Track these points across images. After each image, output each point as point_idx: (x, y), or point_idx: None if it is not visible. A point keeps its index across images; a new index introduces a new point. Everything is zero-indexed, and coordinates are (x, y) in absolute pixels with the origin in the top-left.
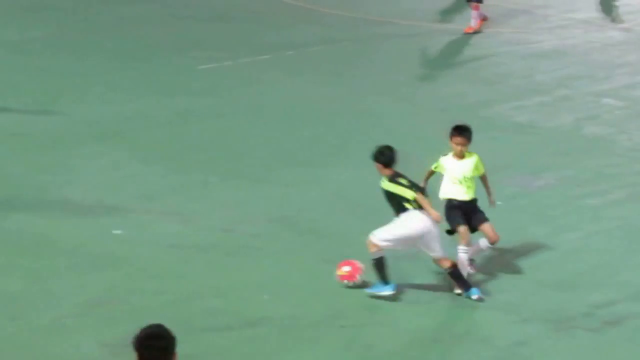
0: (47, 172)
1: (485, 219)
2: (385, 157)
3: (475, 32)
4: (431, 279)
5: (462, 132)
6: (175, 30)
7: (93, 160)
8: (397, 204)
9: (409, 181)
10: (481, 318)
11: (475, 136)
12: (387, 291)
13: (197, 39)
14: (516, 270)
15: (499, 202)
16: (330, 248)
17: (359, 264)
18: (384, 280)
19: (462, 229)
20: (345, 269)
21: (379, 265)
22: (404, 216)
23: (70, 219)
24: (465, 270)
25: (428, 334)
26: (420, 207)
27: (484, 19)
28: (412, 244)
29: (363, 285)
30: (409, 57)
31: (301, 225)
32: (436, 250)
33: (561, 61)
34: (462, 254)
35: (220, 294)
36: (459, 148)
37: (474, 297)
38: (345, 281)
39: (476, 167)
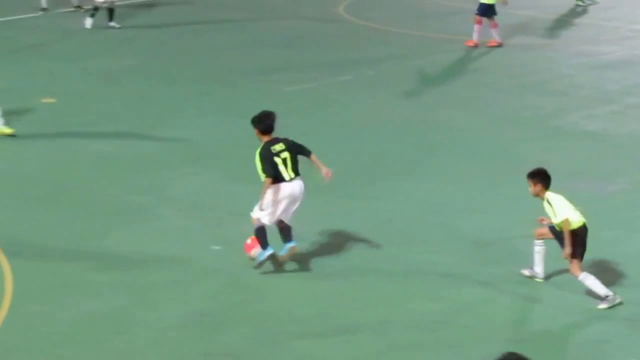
0: (145, 192)
1: None
2: (262, 124)
3: (498, 45)
4: (501, 278)
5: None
6: (259, 56)
7: (188, 180)
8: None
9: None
10: (559, 316)
11: (547, 145)
12: (267, 252)
13: (279, 63)
14: (592, 272)
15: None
16: (420, 256)
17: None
18: (264, 246)
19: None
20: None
21: (260, 233)
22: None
23: (170, 237)
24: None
25: (507, 333)
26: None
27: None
28: (282, 207)
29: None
30: (478, 71)
31: (390, 236)
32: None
33: (630, 71)
34: None
35: (314, 302)
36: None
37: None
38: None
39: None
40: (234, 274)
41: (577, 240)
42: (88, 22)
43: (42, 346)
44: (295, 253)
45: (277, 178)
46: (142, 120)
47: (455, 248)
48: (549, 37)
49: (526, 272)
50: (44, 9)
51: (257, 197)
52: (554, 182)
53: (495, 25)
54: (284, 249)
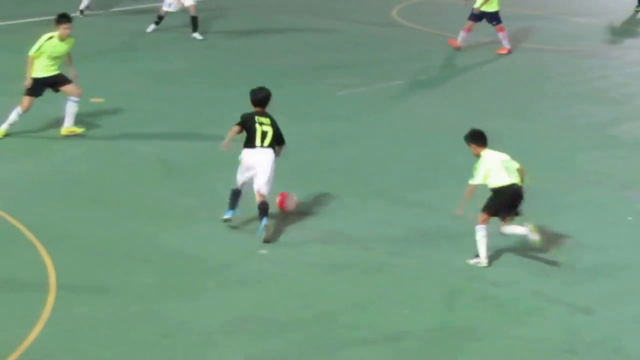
0: (193, 195)
1: None
2: (254, 96)
3: (509, 53)
4: (552, 290)
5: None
6: (312, 58)
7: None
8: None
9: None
10: (610, 328)
11: (602, 154)
12: (226, 214)
13: (333, 65)
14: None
15: (629, 218)
16: (468, 263)
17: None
18: (231, 207)
19: None
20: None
21: (232, 195)
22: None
23: (218, 240)
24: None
25: (561, 344)
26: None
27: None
28: (248, 175)
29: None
30: (532, 79)
31: (440, 243)
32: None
33: None
34: None
35: (361, 309)
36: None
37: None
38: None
39: None
40: (281, 278)
41: (501, 198)
42: (151, 27)
43: (86, 349)
44: (269, 231)
45: (248, 143)
46: (191, 121)
47: (505, 257)
48: (605, 45)
49: (471, 261)
50: (83, 11)
51: (306, 200)
52: (608, 190)
53: (502, 29)
54: (260, 228)
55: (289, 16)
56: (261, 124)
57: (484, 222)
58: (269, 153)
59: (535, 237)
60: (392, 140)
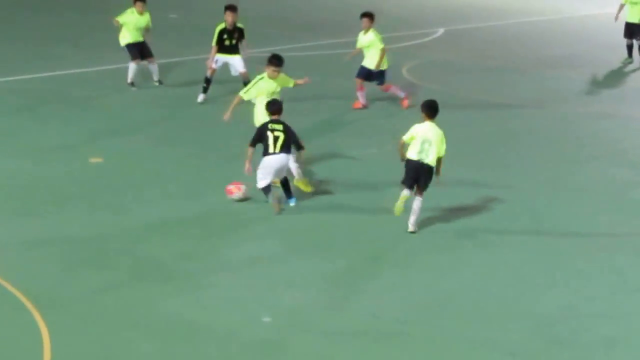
0: (196, 259)
1: None
2: (271, 106)
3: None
4: None
5: None
6: (322, 118)
7: (241, 248)
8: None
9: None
10: None
11: (624, 218)
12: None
13: (343, 126)
14: None
15: None
16: (483, 331)
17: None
18: (266, 192)
19: None
20: (230, 187)
21: (266, 189)
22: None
23: (221, 306)
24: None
25: None
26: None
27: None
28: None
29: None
30: (547, 140)
31: (449, 311)
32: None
33: None
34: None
35: None
36: None
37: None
38: (229, 196)
39: None
40: (285, 347)
41: (407, 168)
42: (200, 97)
43: None
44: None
45: (266, 151)
46: (192, 183)
47: (519, 324)
48: (618, 103)
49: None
50: (131, 84)
51: (311, 266)
52: (629, 256)
53: (389, 87)
54: (292, 201)
55: (303, 73)
56: (273, 130)
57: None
58: (285, 157)
59: None
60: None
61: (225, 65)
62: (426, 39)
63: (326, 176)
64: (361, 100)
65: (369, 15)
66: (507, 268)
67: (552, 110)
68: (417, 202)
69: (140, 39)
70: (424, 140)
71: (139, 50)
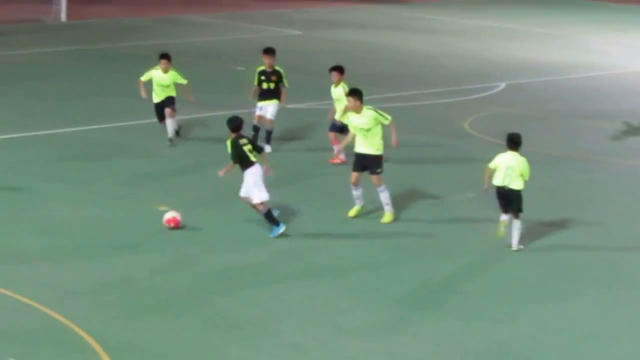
0: (261, 305)
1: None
2: (232, 123)
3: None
4: None
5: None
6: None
7: (304, 294)
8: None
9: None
10: None
11: None
12: (281, 229)
13: (402, 180)
14: None
15: None
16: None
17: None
18: (275, 224)
19: None
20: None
21: (268, 215)
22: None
23: (285, 354)
24: None
25: None
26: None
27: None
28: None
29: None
30: (603, 193)
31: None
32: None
33: None
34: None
35: None
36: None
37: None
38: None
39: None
40: None
41: (497, 195)
42: (267, 147)
43: None
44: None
45: (246, 164)
46: (256, 231)
47: None
48: None
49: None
50: (171, 140)
51: (370, 316)
52: None
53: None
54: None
55: None
56: (244, 144)
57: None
58: (259, 166)
59: None
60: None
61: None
62: (488, 93)
63: (423, 217)
64: (339, 153)
65: (337, 69)
66: (564, 319)
67: (615, 163)
68: (516, 223)
69: (164, 96)
70: (507, 167)
71: (162, 110)
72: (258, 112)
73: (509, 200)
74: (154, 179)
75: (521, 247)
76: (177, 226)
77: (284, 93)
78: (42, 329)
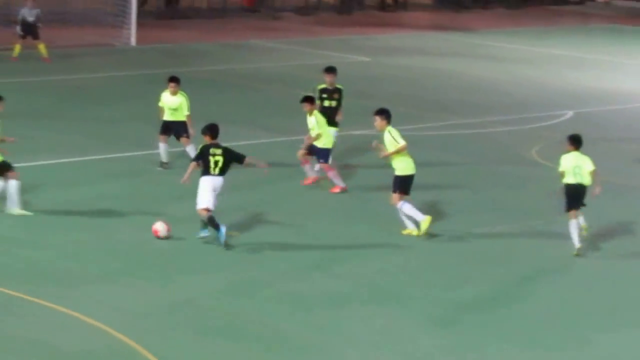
0: (324, 331)
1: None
2: (208, 130)
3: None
4: None
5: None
6: (448, 198)
7: (369, 319)
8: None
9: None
10: None
11: None
12: (222, 231)
13: (469, 206)
14: None
15: None
16: None
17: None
18: (217, 228)
19: None
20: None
21: (211, 220)
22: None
23: None
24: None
25: None
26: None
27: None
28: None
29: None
30: None
31: None
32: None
33: None
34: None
35: None
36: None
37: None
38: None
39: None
40: None
41: (567, 193)
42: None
43: None
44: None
45: (205, 172)
46: (326, 256)
47: None
48: None
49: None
50: (164, 164)
51: (433, 341)
52: None
53: (330, 169)
54: (222, 235)
55: (426, 152)
56: (214, 154)
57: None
58: (220, 180)
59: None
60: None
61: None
62: (555, 121)
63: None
64: (310, 174)
65: (307, 100)
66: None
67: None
68: (581, 219)
69: (173, 119)
70: (575, 166)
71: (168, 128)
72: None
73: (579, 195)
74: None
75: (581, 243)
76: (157, 236)
77: (341, 112)
78: (110, 352)
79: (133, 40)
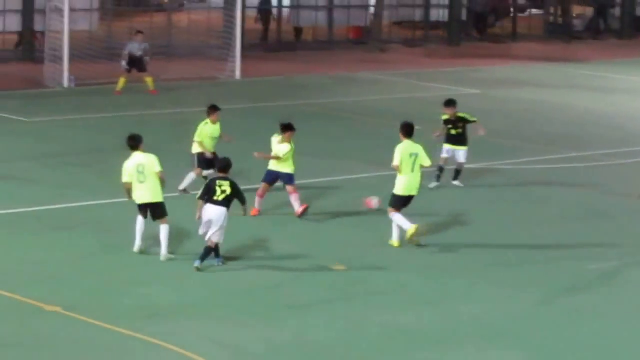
0: None
1: None
2: (219, 164)
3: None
4: None
5: None
6: (560, 230)
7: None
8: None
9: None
10: None
11: None
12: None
13: (580, 238)
14: None
15: None
16: None
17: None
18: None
19: None
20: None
21: (216, 250)
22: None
23: None
24: None
25: None
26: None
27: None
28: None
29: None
30: None
31: None
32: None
33: None
34: None
35: None
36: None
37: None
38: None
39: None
40: None
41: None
42: (433, 183)
43: None
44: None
45: (209, 199)
46: (432, 292)
47: None
48: None
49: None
50: (184, 190)
51: None
52: None
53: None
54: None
55: (541, 188)
56: (221, 186)
57: None
58: (222, 210)
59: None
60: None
61: None
62: None
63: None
64: (258, 206)
65: (289, 129)
66: None
67: None
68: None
69: (213, 149)
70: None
71: (208, 163)
72: (444, 155)
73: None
74: (320, 235)
75: None
76: (369, 207)
77: (480, 127)
78: None
79: (238, 74)
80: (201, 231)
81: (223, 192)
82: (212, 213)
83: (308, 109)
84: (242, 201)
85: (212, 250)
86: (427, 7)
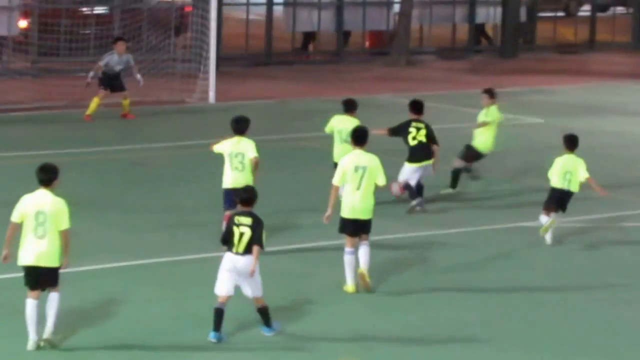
0: None
1: None
2: (239, 195)
3: None
4: None
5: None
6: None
7: None
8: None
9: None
10: None
11: None
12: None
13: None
14: None
15: None
16: None
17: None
18: (214, 327)
19: None
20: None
21: (217, 314)
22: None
23: None
24: None
25: None
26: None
27: None
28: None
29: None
30: None
31: None
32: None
33: None
34: None
35: None
36: None
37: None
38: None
39: None
40: None
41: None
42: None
43: None
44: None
45: (229, 248)
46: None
47: None
48: None
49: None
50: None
51: None
52: None
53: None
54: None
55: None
56: (239, 225)
57: None
58: (247, 260)
59: None
60: None
61: None
62: None
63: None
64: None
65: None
66: None
67: None
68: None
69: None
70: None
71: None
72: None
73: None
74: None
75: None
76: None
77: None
78: None
79: (212, 96)
80: (218, 290)
81: (241, 236)
82: (232, 264)
83: (308, 144)
84: (262, 245)
85: (265, 313)
86: (472, 4)
